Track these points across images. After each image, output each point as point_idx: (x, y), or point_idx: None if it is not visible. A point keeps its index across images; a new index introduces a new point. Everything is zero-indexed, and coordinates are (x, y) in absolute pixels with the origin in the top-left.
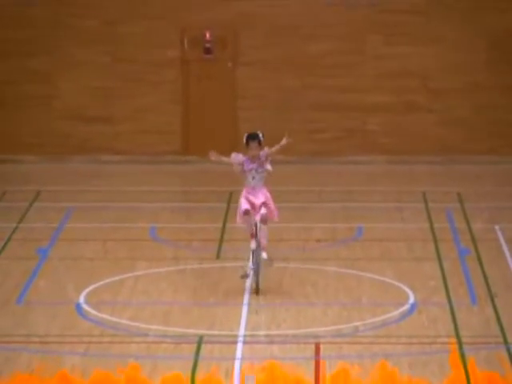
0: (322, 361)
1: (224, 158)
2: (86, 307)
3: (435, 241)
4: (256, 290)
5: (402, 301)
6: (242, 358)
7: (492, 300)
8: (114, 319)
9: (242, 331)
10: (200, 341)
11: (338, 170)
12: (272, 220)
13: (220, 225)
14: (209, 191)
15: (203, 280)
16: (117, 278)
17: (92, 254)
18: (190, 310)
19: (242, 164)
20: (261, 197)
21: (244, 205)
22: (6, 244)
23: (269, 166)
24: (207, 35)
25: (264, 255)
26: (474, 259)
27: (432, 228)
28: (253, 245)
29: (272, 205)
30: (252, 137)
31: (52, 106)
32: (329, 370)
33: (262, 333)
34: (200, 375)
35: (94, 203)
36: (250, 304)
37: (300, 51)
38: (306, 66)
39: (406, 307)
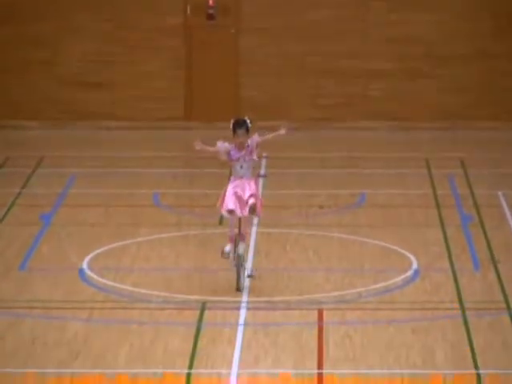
0: (325, 327)
1: (209, 148)
2: (88, 273)
3: (438, 207)
4: (238, 287)
5: (405, 267)
6: (245, 324)
7: (495, 266)
8: (117, 285)
9: (244, 297)
10: (203, 307)
11: (340, 136)
12: (258, 215)
13: (223, 191)
14: (211, 157)
15: (206, 246)
16: (119, 243)
17: (95, 220)
18: (193, 276)
19: (228, 153)
20: (248, 190)
21: (229, 203)
22: (8, 210)
23: (255, 156)
24: (210, 1)
25: (241, 248)
26: (476, 225)
27: (435, 194)
28: (227, 248)
29: (259, 200)
30: (239, 124)
31: (54, 72)
32: (332, 336)
33: (264, 299)
34: (203, 341)
35: (96, 169)
36: (253, 269)
37: (303, 17)
38: (308, 33)
39: (409, 273)
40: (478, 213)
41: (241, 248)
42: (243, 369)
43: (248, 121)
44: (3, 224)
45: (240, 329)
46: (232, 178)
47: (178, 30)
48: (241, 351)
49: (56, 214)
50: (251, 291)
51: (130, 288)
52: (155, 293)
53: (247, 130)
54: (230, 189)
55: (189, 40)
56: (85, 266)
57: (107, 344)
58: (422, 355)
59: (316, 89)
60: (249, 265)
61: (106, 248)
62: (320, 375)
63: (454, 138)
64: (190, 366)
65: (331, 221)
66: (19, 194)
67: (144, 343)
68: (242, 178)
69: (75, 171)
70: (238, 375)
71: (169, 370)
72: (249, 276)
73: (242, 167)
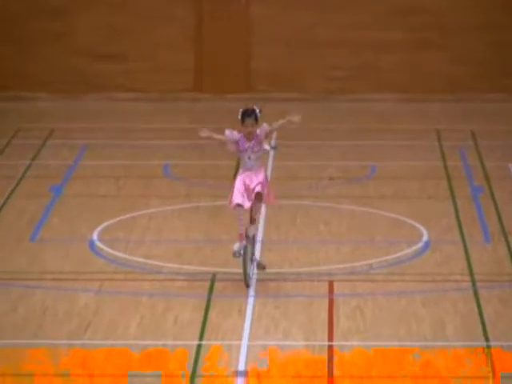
0: (335, 299)
1: (216, 135)
2: (99, 244)
3: (449, 179)
4: (246, 283)
5: (415, 239)
6: (255, 296)
7: (505, 238)
8: (128, 257)
9: (255, 269)
10: (213, 278)
11: (351, 108)
12: (267, 203)
13: (233, 162)
14: (222, 128)
15: (216, 217)
16: (130, 215)
17: (105, 192)
18: (203, 247)
19: (236, 142)
20: (256, 180)
21: (236, 197)
22: (19, 181)
23: (266, 146)
24: None
25: (252, 230)
26: (487, 197)
27: (445, 166)
28: (236, 247)
29: (267, 188)
30: (248, 113)
31: (65, 44)
32: (342, 308)
33: (275, 271)
34: (213, 313)
35: (107, 141)
36: (263, 241)
37: None
38: (319, 3)
39: (420, 245)
40: (489, 185)
41: (252, 230)
42: (253, 341)
43: (257, 110)
44: (14, 196)
45: (250, 301)
46: (240, 170)
47: (189, 0)
48: (251, 323)
49: (66, 186)
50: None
51: (141, 259)
52: (166, 264)
53: (256, 119)
54: (237, 182)
55: (199, 10)
56: (95, 237)
57: (118, 315)
58: (433, 327)
59: (327, 60)
60: (257, 253)
61: (116, 219)
62: (330, 347)
63: (465, 110)
64: (201, 338)
65: (342, 192)
66: (30, 165)
67: (154, 315)
68: (250, 169)
69: (86, 143)
70: (249, 347)
71: (179, 342)
72: (259, 267)
73: (250, 158)
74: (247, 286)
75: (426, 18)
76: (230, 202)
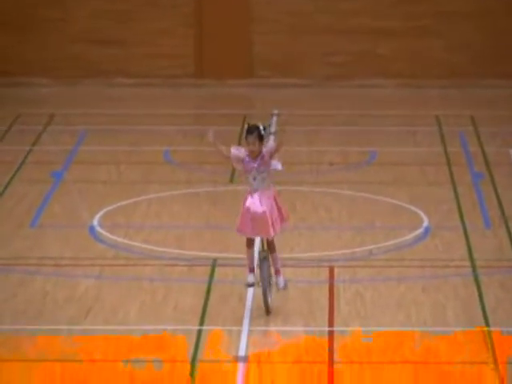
0: (335, 284)
1: (221, 147)
2: (99, 230)
3: (449, 165)
4: (267, 311)
5: (415, 224)
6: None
7: (506, 224)
8: (128, 242)
9: (255, 254)
10: (214, 264)
11: (350, 94)
12: (284, 227)
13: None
14: (222, 114)
15: (216, 203)
16: (130, 201)
17: (106, 177)
18: (204, 233)
19: (242, 161)
20: (263, 204)
21: (244, 228)
22: (20, 167)
23: (279, 166)
24: None
25: (281, 282)
26: (487, 183)
27: (445, 152)
28: (250, 280)
29: (276, 213)
30: (250, 130)
31: (65, 30)
32: (343, 294)
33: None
34: (214, 298)
35: (107, 126)
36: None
37: None
38: None
39: (420, 231)
40: (489, 170)
41: (280, 280)
42: (254, 326)
43: (261, 127)
44: (14, 181)
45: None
46: (247, 190)
47: None
48: (251, 309)
49: (67, 171)
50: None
51: (141, 245)
52: (166, 250)
53: (260, 137)
54: (244, 209)
55: None
56: (95, 223)
57: (118, 301)
58: (433, 313)
59: (327, 46)
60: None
61: (116, 205)
62: (331, 333)
63: (464, 96)
64: (201, 323)
65: (342, 178)
66: (30, 151)
67: (155, 300)
68: (256, 190)
69: (86, 128)
70: (249, 332)
71: (180, 327)
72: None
73: (255, 179)
74: (267, 312)
75: (424, 5)
76: (238, 229)
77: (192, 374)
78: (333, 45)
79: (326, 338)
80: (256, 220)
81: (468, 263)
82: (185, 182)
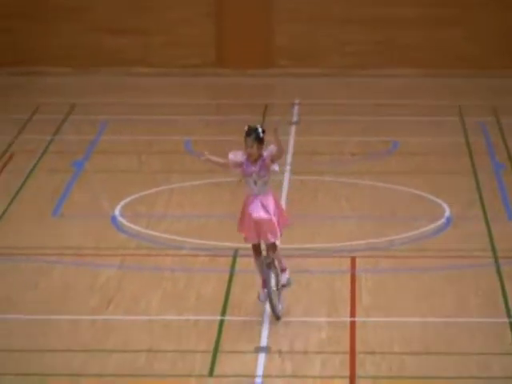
0: (357, 275)
1: (215, 159)
2: (121, 220)
3: (470, 155)
4: (276, 317)
5: (437, 215)
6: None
7: None
8: (150, 232)
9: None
10: (235, 254)
11: (371, 84)
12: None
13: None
14: (243, 104)
15: (238, 193)
16: (152, 190)
17: (127, 167)
18: (226, 223)
19: (241, 165)
20: (266, 208)
21: (247, 234)
22: (41, 157)
23: (276, 167)
24: None
25: (284, 279)
26: (509, 173)
27: (467, 142)
28: (261, 297)
29: (277, 216)
30: (248, 132)
31: (85, 18)
32: (364, 284)
33: (296, 246)
34: (235, 288)
35: (128, 116)
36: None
37: None
38: None
39: (442, 221)
40: (511, 161)
41: (284, 278)
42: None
43: (260, 129)
44: (36, 170)
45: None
46: (246, 195)
47: None
48: None
49: (88, 161)
50: (283, 238)
51: (163, 235)
52: (188, 240)
53: (259, 140)
54: (247, 215)
55: None
56: (117, 212)
57: (140, 291)
58: (455, 303)
59: (347, 36)
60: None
61: (138, 195)
62: (353, 323)
63: (486, 86)
64: (223, 313)
65: (363, 168)
66: (51, 140)
67: (177, 290)
68: (257, 195)
69: (107, 118)
70: (271, 323)
71: (201, 317)
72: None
73: (255, 183)
74: (277, 318)
75: None
76: (245, 237)
77: (213, 365)
78: (353, 34)
79: (347, 329)
80: (261, 225)
81: (490, 254)
82: (206, 171)
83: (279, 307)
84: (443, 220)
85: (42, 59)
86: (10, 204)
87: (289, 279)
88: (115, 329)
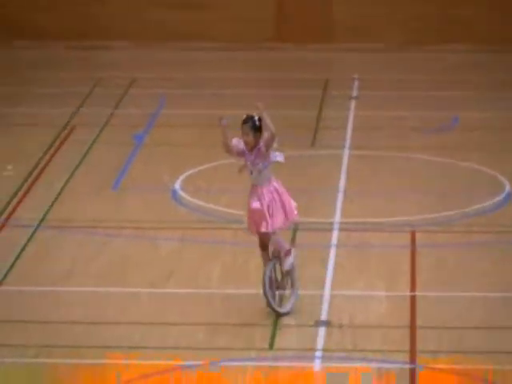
0: (417, 249)
1: (227, 136)
2: (181, 193)
3: None
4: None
5: (497, 190)
6: (337, 246)
7: None
8: (210, 206)
9: (337, 218)
10: (295, 228)
11: (430, 58)
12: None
13: (315, 112)
14: (301, 79)
15: (298, 168)
16: (212, 164)
17: (187, 141)
18: None
19: (243, 154)
20: (261, 198)
21: (248, 225)
22: (102, 130)
23: (279, 157)
24: None
25: (287, 264)
26: None
27: None
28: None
29: (278, 208)
30: (244, 120)
31: None
32: (424, 259)
33: (357, 220)
34: (295, 262)
35: (188, 90)
36: (345, 191)
37: None
38: None
39: (501, 197)
40: None
41: (287, 264)
42: (335, 290)
43: (256, 118)
44: (96, 144)
45: (332, 250)
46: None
47: None
48: (333, 273)
49: (148, 135)
50: (343, 213)
51: (223, 209)
52: None
53: (255, 128)
54: (248, 206)
55: None
56: (177, 186)
57: (199, 265)
58: None
59: (406, 11)
60: (339, 204)
61: (198, 169)
62: (413, 298)
63: None
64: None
65: (423, 143)
66: (112, 114)
67: (236, 264)
68: (257, 184)
69: (167, 92)
70: (331, 297)
71: (261, 291)
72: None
73: (252, 173)
74: (277, 314)
75: None
76: (247, 228)
77: (273, 339)
78: (413, 9)
79: (408, 303)
80: (254, 215)
81: None
82: None
83: (291, 301)
84: (503, 195)
85: (103, 33)
86: (70, 177)
87: (292, 264)
88: (175, 302)
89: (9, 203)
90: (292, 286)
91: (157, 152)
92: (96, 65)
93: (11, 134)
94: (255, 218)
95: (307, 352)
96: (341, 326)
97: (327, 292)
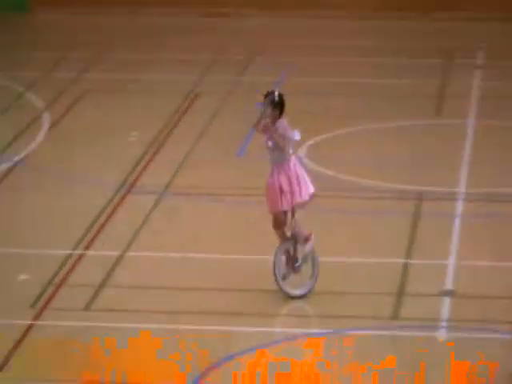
0: None
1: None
2: (307, 162)
3: None
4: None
5: None
6: (463, 216)
7: None
8: (335, 175)
9: (462, 188)
10: (420, 197)
11: None
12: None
13: (440, 81)
14: (426, 48)
15: (423, 136)
16: (338, 132)
17: (311, 109)
18: (410, 166)
19: (265, 131)
20: (273, 176)
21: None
22: (226, 97)
23: (296, 135)
24: None
25: (308, 246)
26: None
27: None
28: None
29: (293, 186)
30: (265, 94)
31: None
32: None
33: (483, 190)
34: (420, 232)
35: (313, 58)
36: (471, 164)
37: None
38: None
39: None
40: None
41: (308, 246)
42: (461, 260)
43: (276, 94)
44: (221, 111)
45: (457, 220)
46: None
47: None
48: (458, 243)
49: None
50: (468, 182)
51: (348, 178)
52: (372, 182)
53: (273, 104)
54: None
55: None
56: (303, 154)
57: (327, 233)
58: None
59: None
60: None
61: (324, 136)
62: None
63: None
64: (407, 256)
65: None
66: (237, 81)
67: (362, 233)
68: (274, 163)
69: (292, 60)
70: (456, 267)
71: (386, 260)
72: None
73: (268, 150)
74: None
75: None
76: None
77: (397, 307)
78: None
79: None
80: (268, 192)
81: None
82: (394, 115)
83: (308, 286)
84: None
85: (229, 1)
86: (195, 144)
87: (312, 248)
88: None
89: (133, 170)
90: (312, 269)
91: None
92: (222, 32)
93: (136, 100)
94: (270, 195)
95: (432, 322)
96: (466, 296)
97: (452, 261)
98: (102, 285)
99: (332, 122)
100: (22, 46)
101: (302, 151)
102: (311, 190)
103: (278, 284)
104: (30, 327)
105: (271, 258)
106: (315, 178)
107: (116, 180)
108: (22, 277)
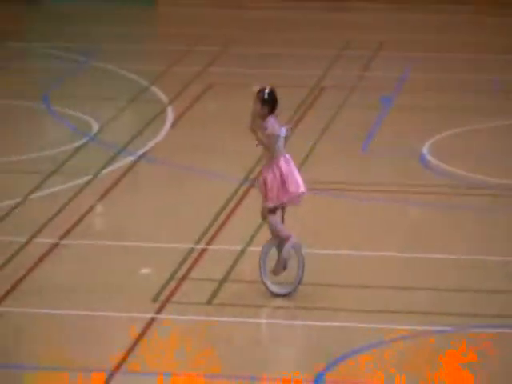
0: None
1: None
2: (429, 158)
3: None
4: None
5: None
6: None
7: None
8: (456, 171)
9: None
10: (494, 193)
11: None
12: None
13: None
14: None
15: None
16: (460, 129)
17: (435, 105)
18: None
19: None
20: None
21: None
22: (350, 92)
23: (283, 132)
24: None
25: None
26: None
27: None
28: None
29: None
30: (257, 90)
31: None
32: None
33: None
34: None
35: (436, 53)
36: None
37: None
38: None
39: None
40: None
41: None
42: None
43: (267, 91)
44: (345, 105)
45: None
46: None
47: None
48: None
49: (396, 98)
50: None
51: (469, 174)
52: (492, 179)
53: (262, 100)
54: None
55: None
56: (425, 151)
57: (443, 231)
58: None
59: None
60: None
61: (447, 133)
62: None
63: None
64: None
65: None
66: (360, 76)
67: (480, 231)
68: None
69: (416, 55)
70: None
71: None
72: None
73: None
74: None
75: None
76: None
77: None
78: None
79: None
80: (260, 188)
81: None
82: (506, 112)
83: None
84: None
85: None
86: (319, 138)
87: (289, 251)
88: (424, 267)
89: (256, 164)
90: (298, 269)
91: (404, 115)
92: (346, 27)
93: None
94: (261, 191)
95: None
96: None
97: None
98: (224, 280)
99: (456, 118)
100: (148, 39)
101: (425, 147)
102: (301, 189)
103: (262, 281)
104: (151, 321)
105: (392, 254)
106: (437, 173)
107: (239, 174)
108: (144, 271)
